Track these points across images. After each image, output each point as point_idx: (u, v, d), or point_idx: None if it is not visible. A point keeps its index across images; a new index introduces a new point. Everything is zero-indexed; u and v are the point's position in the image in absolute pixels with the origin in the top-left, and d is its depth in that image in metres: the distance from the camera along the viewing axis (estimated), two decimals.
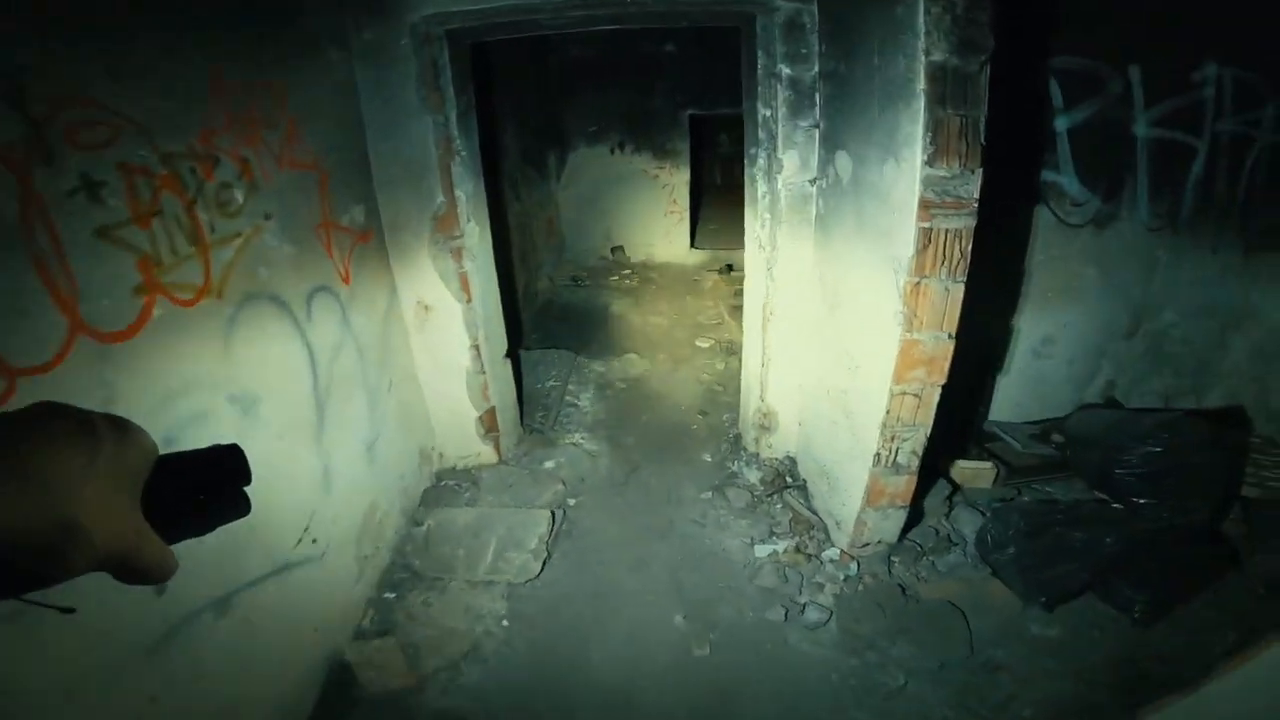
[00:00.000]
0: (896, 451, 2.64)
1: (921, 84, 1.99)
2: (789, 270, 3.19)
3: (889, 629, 2.66)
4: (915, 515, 2.99)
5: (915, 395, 2.52)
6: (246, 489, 0.54)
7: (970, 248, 2.31)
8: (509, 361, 3.86)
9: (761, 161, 3.02)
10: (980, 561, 2.94)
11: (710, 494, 3.59)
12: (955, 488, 3.31)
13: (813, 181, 3.00)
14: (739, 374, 3.98)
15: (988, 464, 3.40)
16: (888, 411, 2.52)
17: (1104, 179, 3.43)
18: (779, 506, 3.43)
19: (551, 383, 4.86)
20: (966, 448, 3.58)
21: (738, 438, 4.01)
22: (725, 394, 4.59)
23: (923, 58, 1.96)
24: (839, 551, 3.03)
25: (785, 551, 3.10)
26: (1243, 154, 3.39)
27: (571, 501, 3.60)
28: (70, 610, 0.54)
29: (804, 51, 2.74)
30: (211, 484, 0.53)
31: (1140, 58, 3.15)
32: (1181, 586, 2.65)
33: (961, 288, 2.36)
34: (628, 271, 7.43)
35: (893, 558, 2.96)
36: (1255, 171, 3.41)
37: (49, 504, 0.39)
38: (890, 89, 2.19)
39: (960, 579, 2.90)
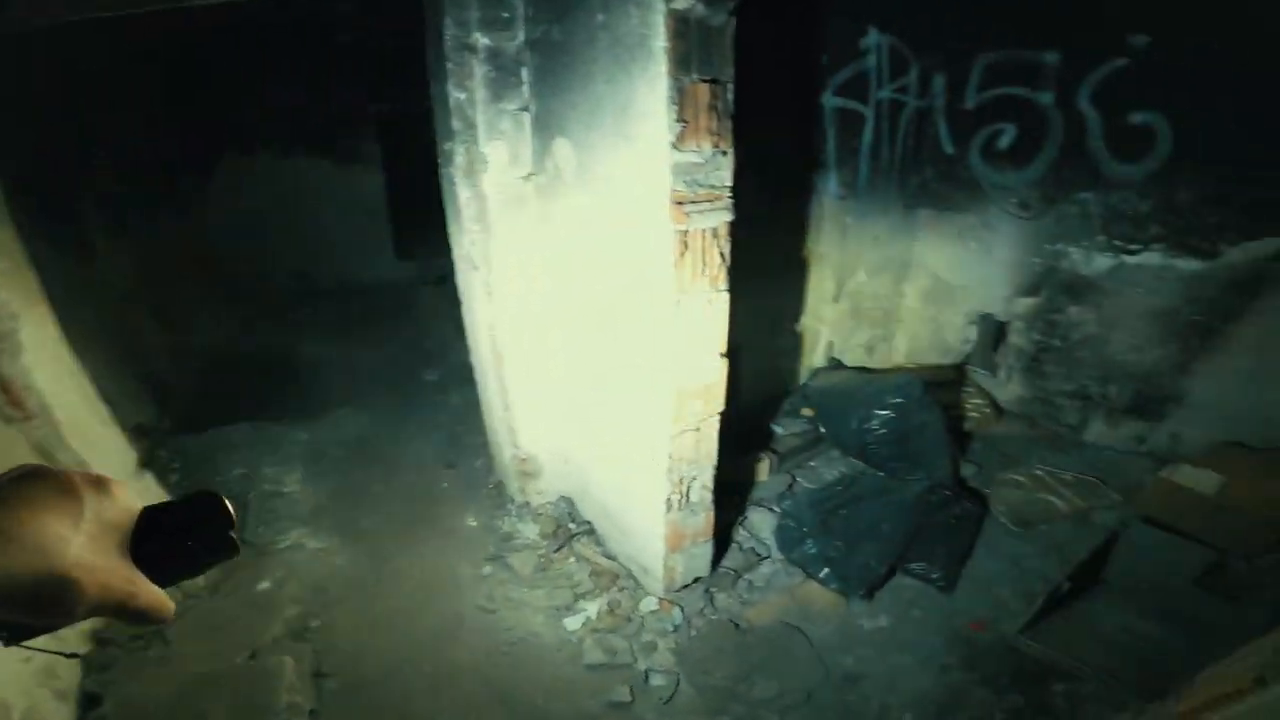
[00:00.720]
0: (688, 491, 2.17)
1: (661, 40, 1.43)
2: (516, 291, 2.49)
3: (740, 671, 2.28)
4: (722, 539, 2.60)
5: (695, 430, 2.05)
6: (231, 532, 0.56)
7: (730, 249, 1.86)
8: (147, 473, 2.53)
9: (460, 159, 2.24)
10: (789, 564, 2.68)
11: (490, 567, 2.81)
12: (740, 489, 3.00)
13: (528, 178, 2.31)
14: (480, 406, 3.19)
15: (760, 454, 3.16)
16: (670, 456, 2.01)
17: (802, 152, 3.36)
18: (572, 561, 2.80)
19: (239, 470, 3.51)
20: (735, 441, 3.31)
21: (500, 486, 3.25)
22: (470, 433, 3.74)
23: (662, 5, 1.38)
24: (656, 600, 2.52)
25: (599, 616, 2.51)
26: (897, 119, 3.56)
27: (315, 623, 2.57)
28: (74, 655, 0.75)
29: (505, 15, 2.01)
30: (197, 530, 0.55)
31: (826, 24, 3.05)
32: (959, 544, 2.65)
33: (726, 298, 1.92)
34: (321, 299, 5.95)
35: (712, 590, 2.56)
36: (907, 135, 3.62)
37: (37, 563, 0.41)
38: (619, 53, 1.60)
39: (781, 590, 2.61)
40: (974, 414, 3.46)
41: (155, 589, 0.48)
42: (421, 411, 4.08)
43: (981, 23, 3.17)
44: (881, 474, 2.94)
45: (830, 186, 3.62)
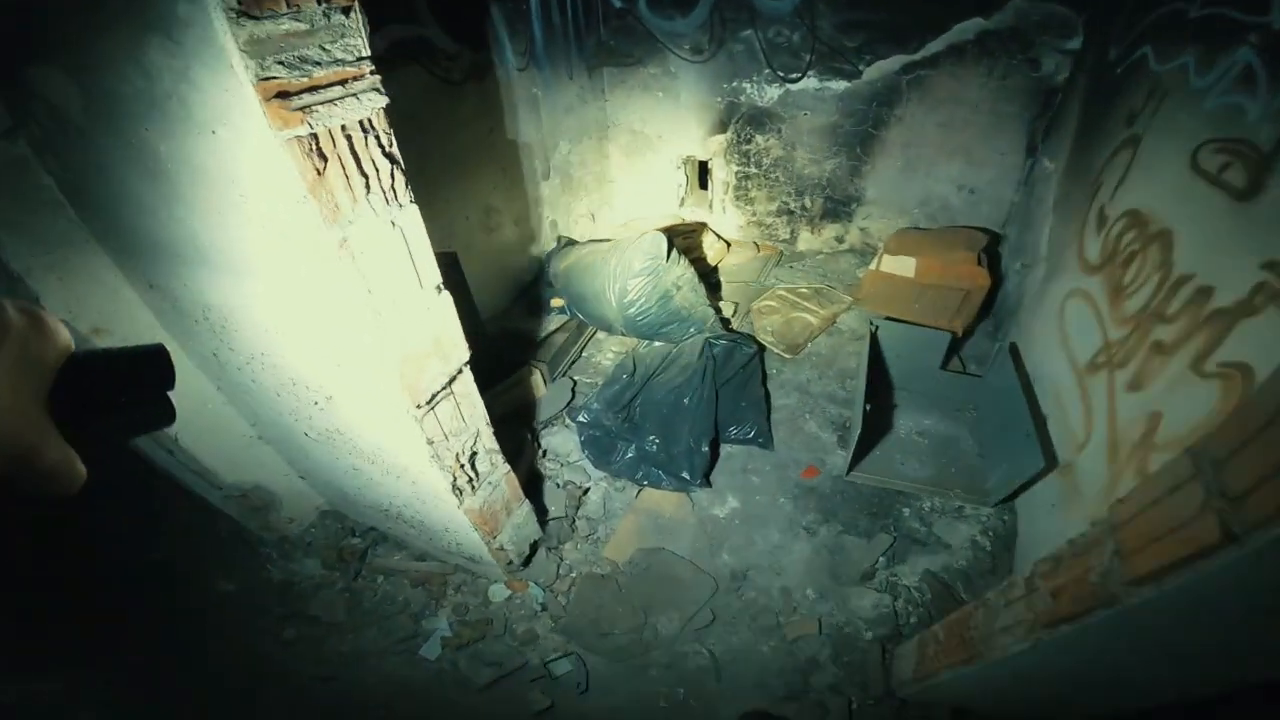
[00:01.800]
0: (472, 467, 1.62)
1: None
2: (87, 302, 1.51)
3: (634, 619, 2.00)
4: (533, 485, 2.22)
5: (447, 394, 1.46)
6: (170, 394, 0.43)
7: (395, 144, 1.18)
8: None
9: None
10: (613, 479, 2.38)
11: (292, 629, 2.12)
12: (522, 418, 2.52)
13: (9, 136, 1.29)
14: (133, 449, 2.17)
15: (527, 368, 2.66)
16: (430, 442, 1.42)
17: (468, 26, 2.63)
18: (382, 580, 2.22)
19: None
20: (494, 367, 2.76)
21: (236, 531, 2.34)
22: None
23: None
24: (503, 586, 2.11)
25: (455, 629, 2.04)
26: None
27: None
28: None
29: None
30: (130, 387, 0.41)
31: None
32: (757, 393, 2.55)
33: (416, 211, 1.26)
34: None
35: (555, 549, 2.20)
36: None
37: None
38: None
39: (621, 512, 2.29)
40: (709, 251, 3.34)
41: (68, 449, 0.36)
42: None
43: None
44: (657, 343, 2.64)
45: (508, 59, 2.92)
